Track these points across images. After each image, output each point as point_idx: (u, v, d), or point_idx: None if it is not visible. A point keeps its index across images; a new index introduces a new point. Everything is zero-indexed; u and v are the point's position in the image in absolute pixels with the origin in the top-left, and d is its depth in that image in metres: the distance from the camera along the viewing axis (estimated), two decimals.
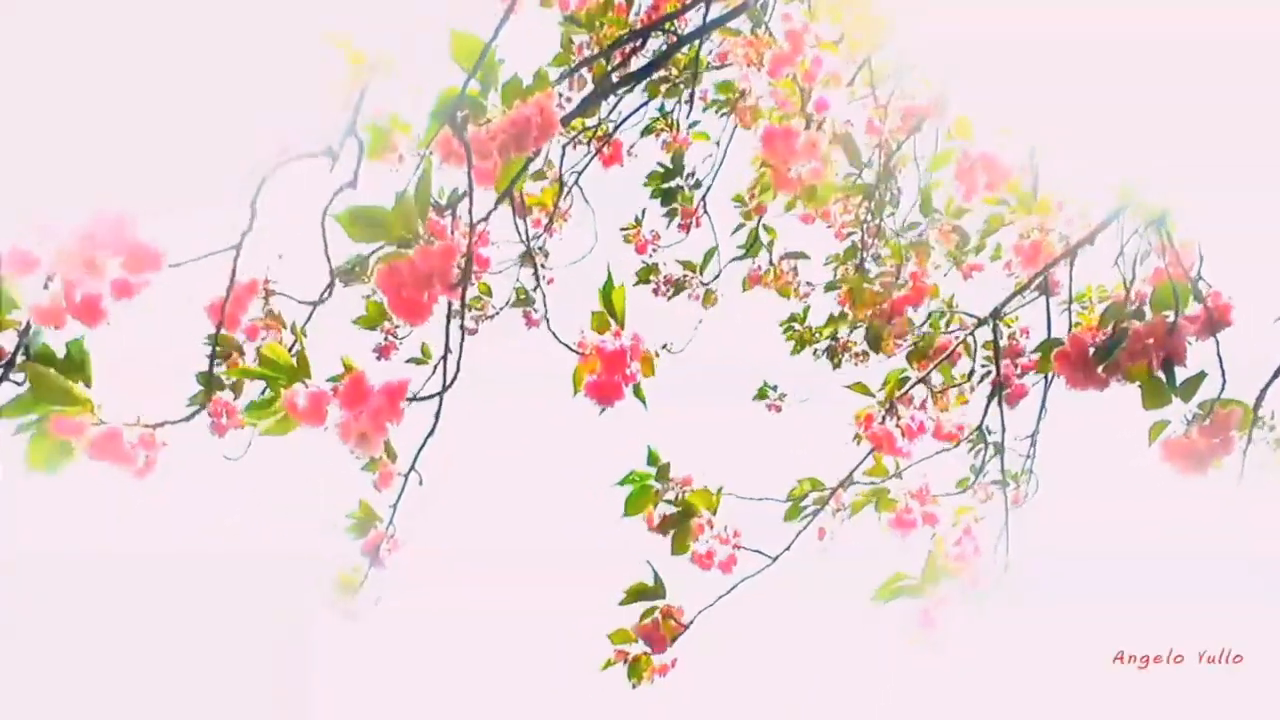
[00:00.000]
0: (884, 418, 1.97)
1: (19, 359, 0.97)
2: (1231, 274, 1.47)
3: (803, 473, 1.88)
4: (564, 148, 2.60)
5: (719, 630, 1.75)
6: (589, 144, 2.64)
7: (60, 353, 1.04)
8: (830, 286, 2.86)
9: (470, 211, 1.17)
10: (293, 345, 1.68)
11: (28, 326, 0.97)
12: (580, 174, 2.66)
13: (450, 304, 1.23)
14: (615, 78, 2.08)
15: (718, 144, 2.78)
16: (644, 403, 1.36)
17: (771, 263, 3.02)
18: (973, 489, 1.93)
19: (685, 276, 3.07)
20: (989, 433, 1.97)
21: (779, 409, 3.19)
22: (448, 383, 1.24)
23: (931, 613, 1.73)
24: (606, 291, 1.35)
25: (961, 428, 1.95)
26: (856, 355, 3.00)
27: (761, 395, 3.20)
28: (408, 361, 2.41)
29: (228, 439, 1.78)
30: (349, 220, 1.12)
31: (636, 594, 1.71)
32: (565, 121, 1.46)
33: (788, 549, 1.79)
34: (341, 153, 1.06)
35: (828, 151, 1.61)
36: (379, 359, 2.38)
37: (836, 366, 3.03)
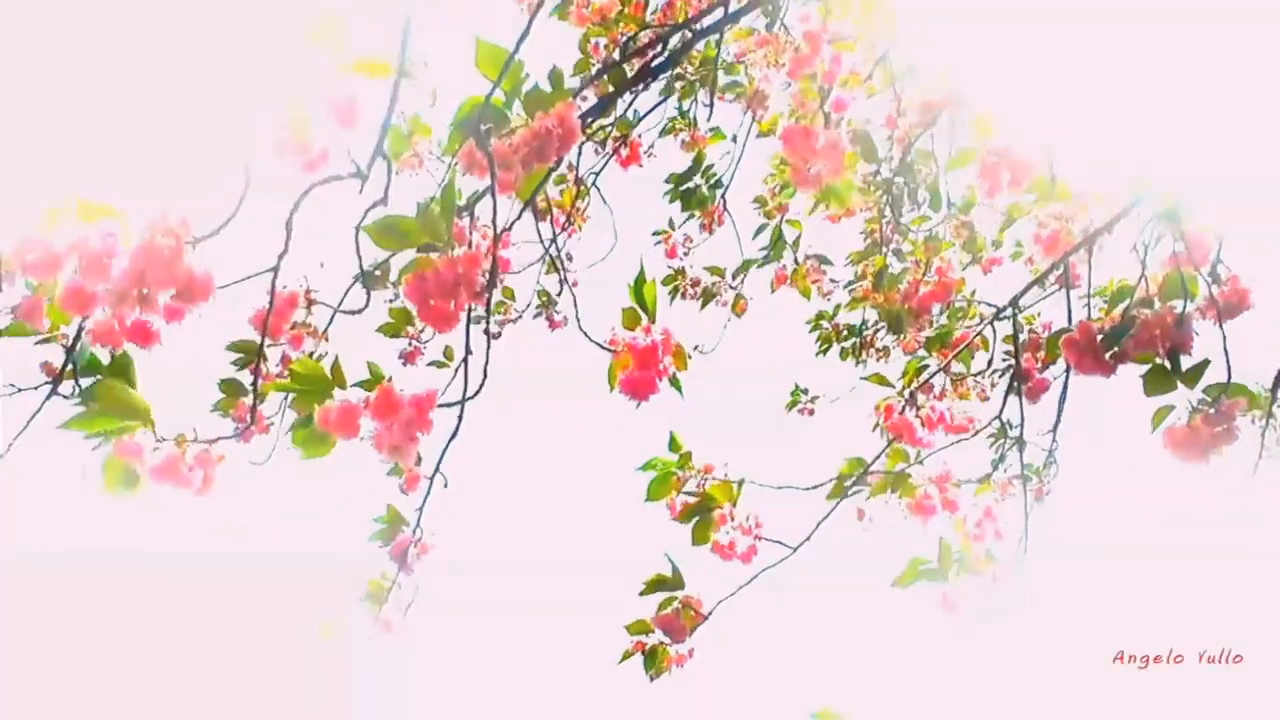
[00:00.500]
0: (904, 408, 1.97)
1: (69, 370, 1.00)
2: (1246, 264, 1.47)
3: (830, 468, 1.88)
4: (580, 148, 2.61)
5: (736, 621, 1.75)
6: (604, 144, 2.64)
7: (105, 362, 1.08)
8: (854, 280, 2.85)
9: (494, 222, 1.19)
10: (313, 351, 1.71)
11: (74, 342, 1.00)
12: (598, 174, 2.67)
13: (471, 308, 1.25)
14: (630, 72, 2.10)
15: (734, 139, 2.77)
16: (680, 391, 1.38)
17: (797, 261, 3.01)
18: (994, 483, 1.93)
19: (715, 283, 3.05)
20: (1010, 426, 1.97)
21: (811, 412, 3.13)
22: (476, 389, 1.26)
23: (951, 597, 1.74)
24: (638, 286, 1.36)
25: (972, 420, 1.95)
26: (879, 351, 2.98)
27: (793, 402, 3.12)
28: (429, 365, 2.43)
29: (252, 444, 1.82)
30: (377, 232, 1.15)
31: (655, 585, 1.71)
32: (582, 119, 1.47)
33: (808, 539, 1.80)
34: (370, 173, 1.09)
35: (852, 156, 1.62)
36: (404, 364, 2.40)
37: (860, 363, 3.02)
